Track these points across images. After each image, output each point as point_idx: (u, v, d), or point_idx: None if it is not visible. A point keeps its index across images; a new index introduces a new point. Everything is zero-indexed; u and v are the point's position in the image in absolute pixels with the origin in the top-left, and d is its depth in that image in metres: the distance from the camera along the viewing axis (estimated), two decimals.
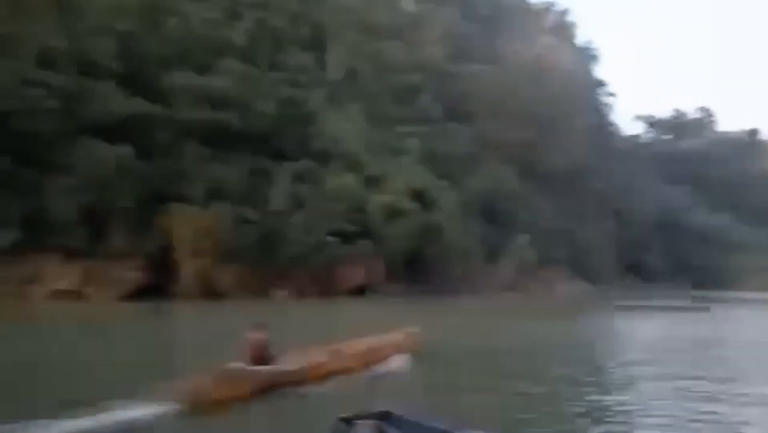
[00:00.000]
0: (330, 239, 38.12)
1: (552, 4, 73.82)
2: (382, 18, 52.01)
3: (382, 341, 11.96)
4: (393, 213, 41.10)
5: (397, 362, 11.43)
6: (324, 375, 9.78)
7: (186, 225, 33.88)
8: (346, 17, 48.45)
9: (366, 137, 44.91)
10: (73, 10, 35.44)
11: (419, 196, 42.74)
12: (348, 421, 5.94)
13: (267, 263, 36.82)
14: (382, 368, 10.99)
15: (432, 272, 43.26)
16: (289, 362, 9.63)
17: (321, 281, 38.42)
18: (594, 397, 9.35)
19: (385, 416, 6.15)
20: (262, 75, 41.56)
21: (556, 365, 12.73)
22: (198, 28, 39.99)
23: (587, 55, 75.00)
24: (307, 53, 45.42)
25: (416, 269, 41.97)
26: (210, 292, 34.34)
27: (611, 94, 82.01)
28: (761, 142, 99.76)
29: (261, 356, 9.28)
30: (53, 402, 7.28)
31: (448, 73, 54.19)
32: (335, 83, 46.26)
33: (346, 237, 38.60)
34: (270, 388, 8.86)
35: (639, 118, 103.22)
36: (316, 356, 10.27)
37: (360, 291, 39.48)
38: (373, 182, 42.41)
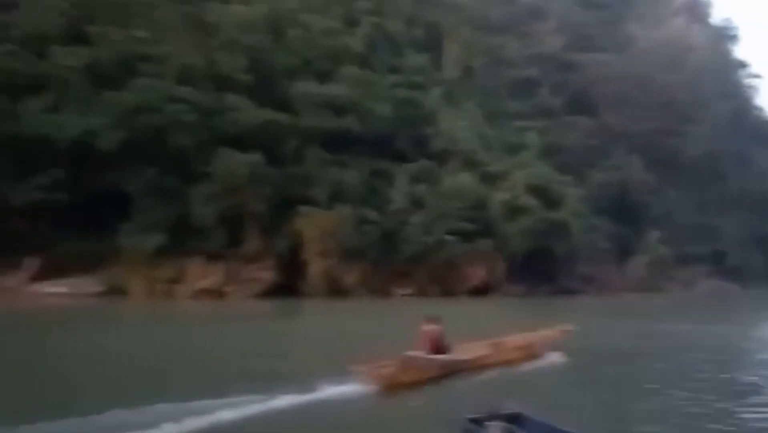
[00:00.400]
0: (449, 237, 38.10)
1: None
2: (497, 12, 51.42)
3: (538, 337, 12.42)
4: (513, 210, 40.23)
5: (552, 358, 11.88)
6: (487, 366, 10.64)
7: (312, 227, 35.50)
8: (460, 15, 48.48)
9: (483, 134, 44.51)
10: (207, 28, 38.27)
11: (541, 193, 41.33)
12: (478, 421, 6.11)
13: (388, 262, 37.65)
14: (538, 363, 11.52)
15: (556, 270, 41.90)
16: (460, 353, 10.59)
17: (441, 280, 38.56)
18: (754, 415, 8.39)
19: (516, 417, 6.26)
20: (380, 79, 42.62)
21: (702, 369, 11.96)
22: (318, 37, 41.62)
23: (725, 35, 69.56)
24: (422, 54, 45.87)
25: (539, 268, 40.77)
26: (335, 290, 35.72)
27: (755, 76, 75.00)
28: None
29: (438, 346, 10.25)
30: (264, 384, 8.68)
31: (567, 63, 52.40)
32: (451, 82, 46.44)
33: (465, 236, 38.40)
34: (444, 375, 9.88)
35: None
36: (480, 349, 11.16)
37: (481, 290, 39.09)
38: (491, 179, 41.85)
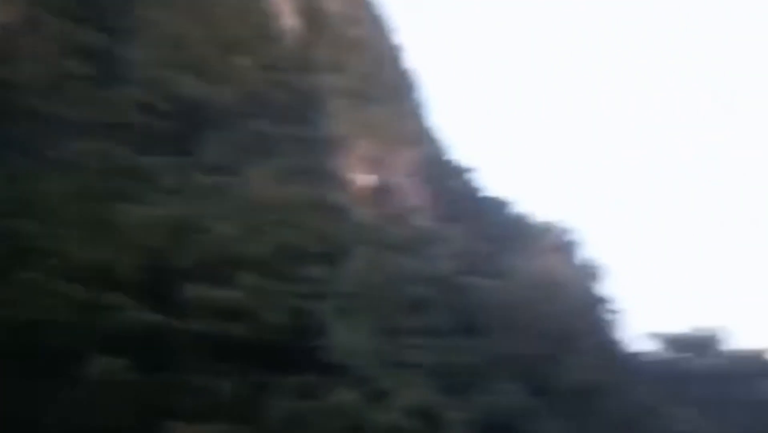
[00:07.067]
0: None
1: (555, 223, 78.25)
2: (399, 234, 58.64)
3: None
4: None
5: None
6: None
7: None
8: (364, 234, 55.98)
9: (375, 350, 48.00)
10: (104, 225, 41.81)
11: (424, 414, 44.08)
12: None
13: None
14: None
15: None
16: None
17: None
18: None
19: None
20: (277, 287, 46.49)
21: None
22: (219, 242, 45.79)
23: (594, 272, 75.60)
24: (322, 266, 50.62)
25: None
26: None
27: (621, 311, 78.94)
28: None
29: None
30: None
31: (459, 286, 56.87)
32: (348, 295, 51.22)
33: None
34: None
35: (654, 335, 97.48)
36: None
37: None
38: (377, 398, 44.31)
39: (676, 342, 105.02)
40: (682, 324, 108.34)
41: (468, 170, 79.19)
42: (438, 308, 55.35)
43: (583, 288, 73.89)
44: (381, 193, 67.11)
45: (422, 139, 74.58)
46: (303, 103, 65.88)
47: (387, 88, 71.97)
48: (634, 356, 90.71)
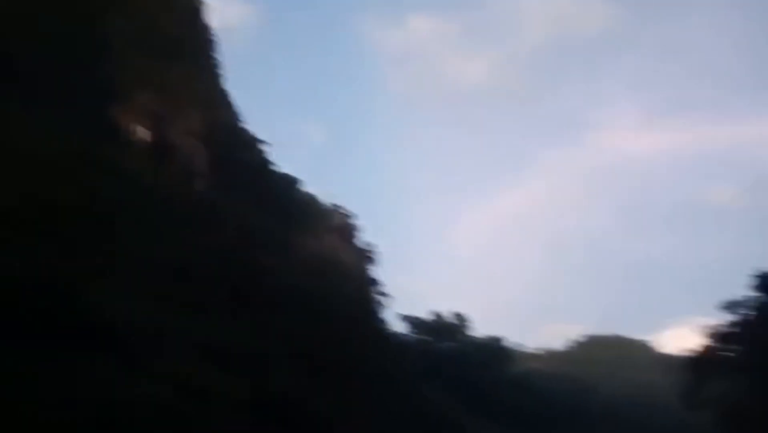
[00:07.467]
0: None
1: (339, 207, 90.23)
2: (177, 197, 57.69)
3: None
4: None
5: None
6: None
7: None
8: (138, 193, 52.59)
9: (143, 321, 43.39)
10: None
11: (194, 390, 40.92)
12: None
13: None
14: None
15: None
16: None
17: None
18: None
19: None
20: (32, 245, 39.54)
21: None
22: None
23: (367, 256, 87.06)
24: (88, 224, 45.36)
25: None
26: None
27: (386, 294, 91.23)
28: (508, 349, 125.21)
29: None
30: None
31: (239, 260, 56.90)
32: (115, 259, 46.73)
33: None
34: None
35: (405, 318, 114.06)
36: None
37: None
38: (143, 370, 40.02)
39: (424, 326, 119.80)
40: (429, 309, 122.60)
41: (259, 142, 78.02)
42: (215, 281, 52.57)
43: (360, 270, 77.88)
44: (161, 152, 62.39)
45: (214, 102, 71.27)
46: (81, 44, 58.30)
47: (180, 42, 66.77)
48: (394, 336, 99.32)
